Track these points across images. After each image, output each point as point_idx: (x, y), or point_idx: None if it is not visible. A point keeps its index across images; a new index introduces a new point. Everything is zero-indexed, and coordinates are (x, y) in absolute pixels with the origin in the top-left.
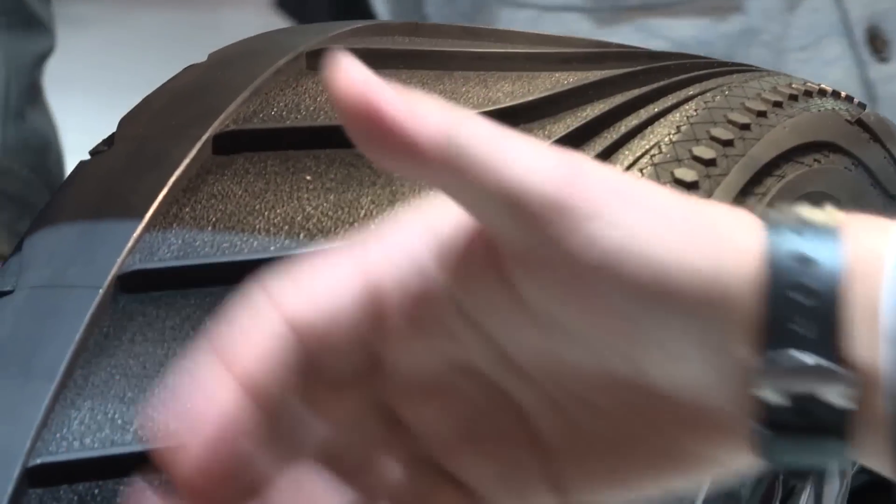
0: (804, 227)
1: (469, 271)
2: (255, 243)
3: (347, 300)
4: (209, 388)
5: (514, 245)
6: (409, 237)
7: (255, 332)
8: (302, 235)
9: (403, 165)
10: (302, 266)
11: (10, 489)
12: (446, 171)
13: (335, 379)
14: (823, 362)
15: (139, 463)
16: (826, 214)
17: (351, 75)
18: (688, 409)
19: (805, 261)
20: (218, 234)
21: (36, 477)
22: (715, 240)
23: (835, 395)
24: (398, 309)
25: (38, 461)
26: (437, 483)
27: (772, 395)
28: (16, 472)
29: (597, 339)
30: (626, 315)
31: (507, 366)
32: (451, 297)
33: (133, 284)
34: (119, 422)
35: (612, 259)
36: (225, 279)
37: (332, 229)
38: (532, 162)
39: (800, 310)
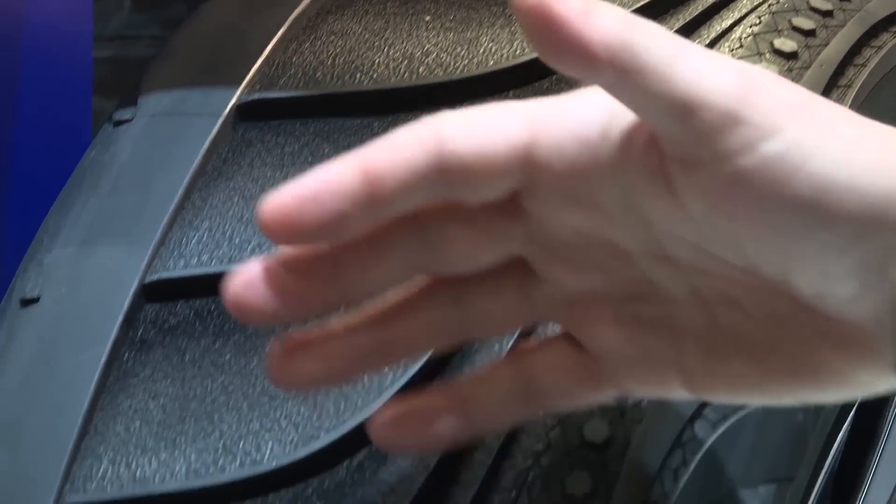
0: None
1: (632, 159)
2: (375, 76)
3: (503, 143)
4: (332, 166)
5: (679, 150)
6: (585, 109)
7: (402, 144)
8: (421, 70)
9: (575, 66)
10: (474, 108)
11: (126, 303)
12: (618, 73)
13: (470, 214)
14: None
15: None
16: None
17: None
18: (832, 323)
19: None
20: (338, 67)
21: (153, 292)
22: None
23: None
24: (554, 170)
25: (155, 277)
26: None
27: None
28: (133, 287)
29: (750, 246)
30: (782, 229)
31: (656, 252)
32: (611, 176)
33: (253, 113)
34: (237, 241)
35: (776, 170)
36: (345, 110)
37: (452, 64)
38: (709, 72)
39: None
